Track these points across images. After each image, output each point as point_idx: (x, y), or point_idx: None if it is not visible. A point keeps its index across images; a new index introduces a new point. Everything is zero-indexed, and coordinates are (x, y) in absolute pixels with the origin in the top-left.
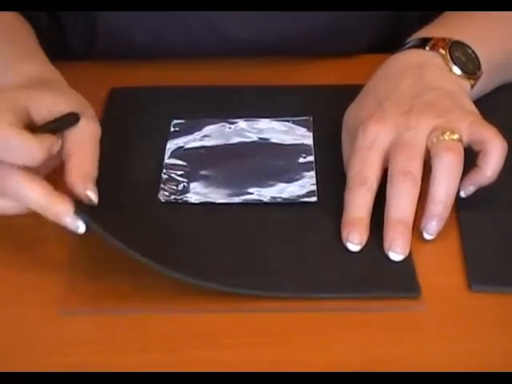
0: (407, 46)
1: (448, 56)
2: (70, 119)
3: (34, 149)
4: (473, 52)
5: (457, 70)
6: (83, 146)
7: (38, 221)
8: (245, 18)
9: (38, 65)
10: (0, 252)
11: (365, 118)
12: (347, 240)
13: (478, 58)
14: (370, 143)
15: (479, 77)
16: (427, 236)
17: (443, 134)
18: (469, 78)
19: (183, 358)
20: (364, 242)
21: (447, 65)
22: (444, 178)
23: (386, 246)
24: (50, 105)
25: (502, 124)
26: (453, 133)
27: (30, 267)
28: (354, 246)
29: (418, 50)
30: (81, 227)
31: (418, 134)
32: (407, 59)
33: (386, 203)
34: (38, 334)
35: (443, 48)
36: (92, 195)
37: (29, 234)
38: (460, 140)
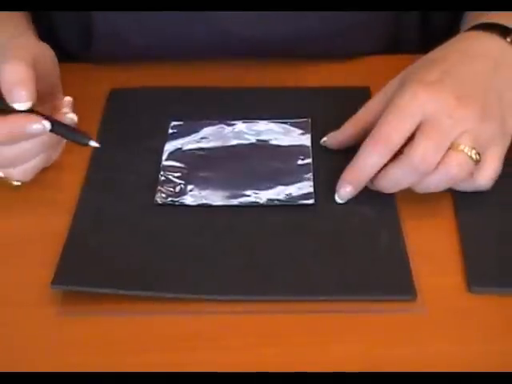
0: (484, 26)
1: None
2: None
3: None
4: None
5: None
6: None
7: (39, 221)
8: (246, 19)
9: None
10: (0, 252)
11: (422, 81)
12: (337, 191)
13: None
14: (413, 111)
15: None
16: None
17: (472, 149)
18: None
19: (183, 359)
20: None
21: None
22: (438, 182)
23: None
24: None
25: None
26: (478, 154)
27: (30, 268)
28: (339, 199)
29: (500, 40)
30: (46, 124)
31: (456, 126)
32: (485, 46)
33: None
34: (38, 335)
35: None
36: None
37: (28, 235)
38: (477, 161)
